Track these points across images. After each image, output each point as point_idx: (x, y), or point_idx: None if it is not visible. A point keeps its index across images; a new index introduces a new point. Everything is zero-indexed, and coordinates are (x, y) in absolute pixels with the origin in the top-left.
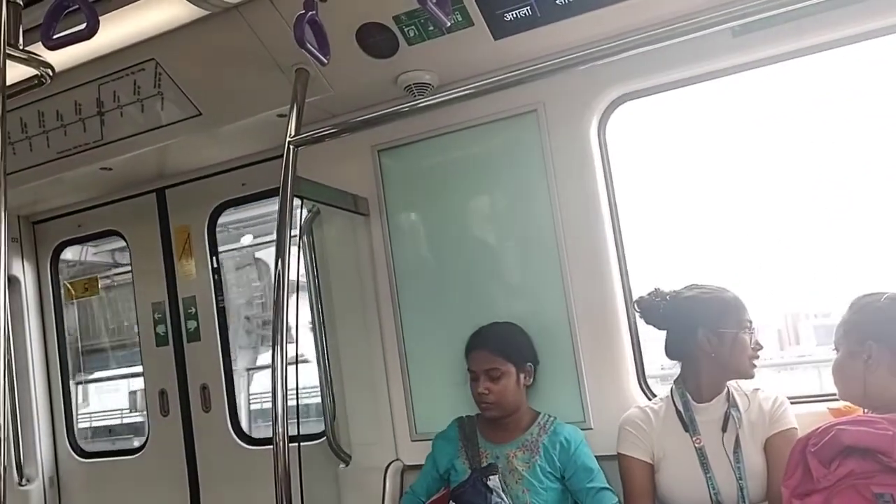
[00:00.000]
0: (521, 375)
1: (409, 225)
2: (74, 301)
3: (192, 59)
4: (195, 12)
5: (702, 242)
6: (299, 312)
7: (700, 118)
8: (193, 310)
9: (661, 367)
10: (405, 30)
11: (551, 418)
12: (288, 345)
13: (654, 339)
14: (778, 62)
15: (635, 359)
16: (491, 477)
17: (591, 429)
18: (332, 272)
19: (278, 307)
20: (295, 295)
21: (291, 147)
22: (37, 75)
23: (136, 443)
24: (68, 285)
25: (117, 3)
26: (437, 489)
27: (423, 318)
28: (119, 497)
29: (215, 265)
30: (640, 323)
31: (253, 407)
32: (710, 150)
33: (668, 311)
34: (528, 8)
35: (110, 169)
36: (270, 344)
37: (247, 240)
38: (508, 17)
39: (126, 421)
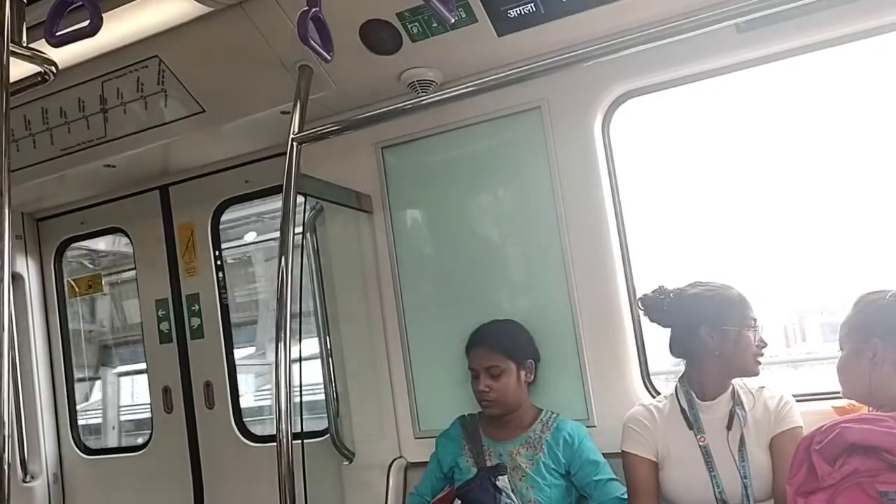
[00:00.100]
0: (522, 372)
1: (412, 222)
2: (106, 293)
3: (195, 56)
4: (198, 9)
5: (709, 239)
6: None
7: (706, 114)
8: (197, 307)
9: (674, 364)
10: (409, 26)
11: (554, 415)
12: (292, 342)
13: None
14: (783, 59)
15: (639, 356)
16: (500, 477)
17: (594, 426)
18: (336, 269)
19: (281, 304)
20: (299, 292)
21: (295, 144)
22: (40, 72)
23: None
24: (72, 282)
25: (121, 0)
26: (441, 489)
27: (427, 315)
28: (123, 494)
29: (219, 262)
30: (646, 320)
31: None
32: (716, 146)
33: (672, 308)
34: (532, 4)
35: (114, 166)
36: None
37: (250, 236)
38: (512, 13)
39: None
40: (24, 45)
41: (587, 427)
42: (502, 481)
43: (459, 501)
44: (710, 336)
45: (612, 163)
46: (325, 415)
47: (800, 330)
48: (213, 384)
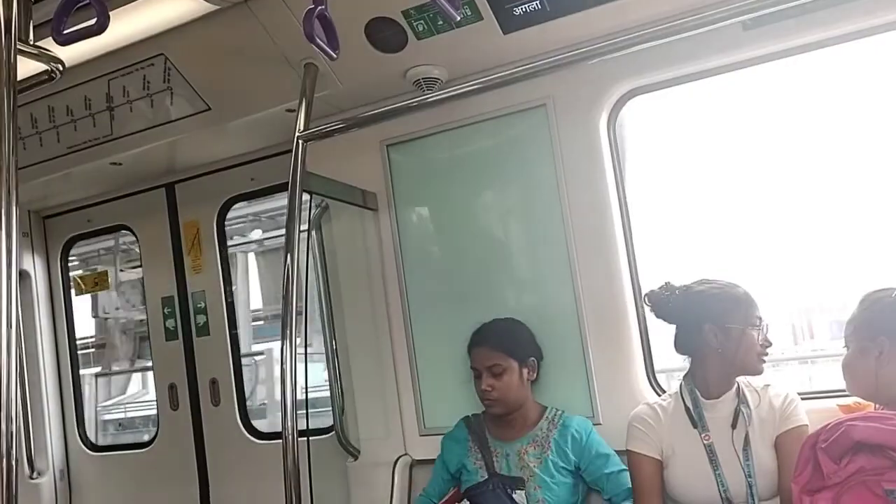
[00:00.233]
0: (525, 371)
1: (417, 220)
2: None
3: (201, 54)
4: (204, 7)
5: (717, 237)
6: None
7: (714, 111)
8: (203, 304)
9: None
10: (414, 24)
11: (559, 412)
12: (298, 339)
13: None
14: (789, 56)
15: (644, 354)
16: (517, 491)
17: (599, 424)
18: (341, 267)
19: (287, 302)
20: (304, 289)
21: (300, 142)
22: (47, 70)
23: None
24: (78, 279)
25: None
26: (448, 489)
27: (432, 312)
28: (129, 490)
29: (224, 260)
30: (651, 318)
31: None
32: (724, 143)
33: (677, 305)
34: (538, 2)
35: (120, 164)
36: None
37: (256, 234)
38: (518, 11)
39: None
40: (31, 43)
41: (593, 425)
42: (519, 496)
43: (468, 502)
44: (715, 334)
45: (618, 160)
46: (331, 412)
47: (808, 327)
48: (218, 381)
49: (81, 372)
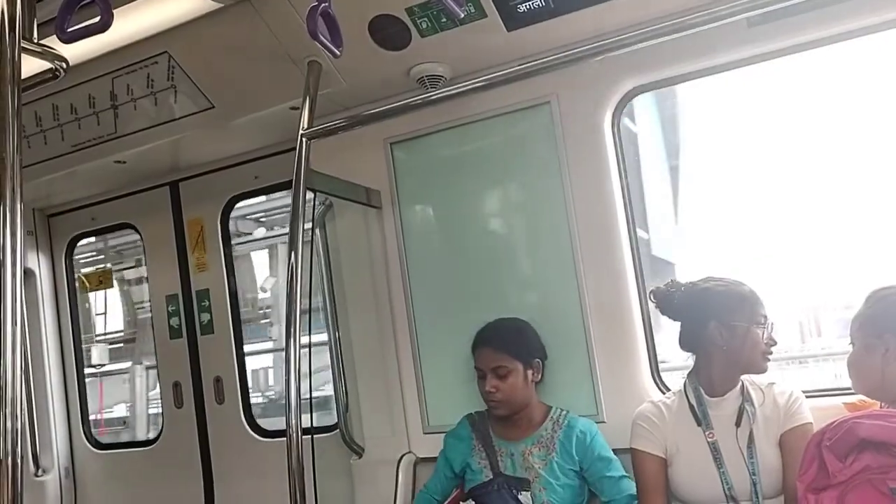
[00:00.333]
0: (529, 372)
1: (421, 218)
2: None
3: (204, 52)
4: (208, 5)
5: (724, 233)
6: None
7: (719, 106)
8: (207, 302)
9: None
10: (418, 21)
11: (563, 412)
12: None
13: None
14: (794, 53)
15: (649, 352)
16: (523, 492)
17: (603, 422)
18: (345, 265)
19: (291, 300)
20: (308, 287)
21: (304, 140)
22: (51, 69)
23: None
24: (83, 277)
25: None
26: (451, 487)
27: (436, 310)
28: (134, 488)
29: (228, 257)
30: (656, 316)
31: None
32: (734, 139)
33: (683, 302)
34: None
35: (124, 162)
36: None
37: (260, 232)
38: (522, 8)
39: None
40: (35, 41)
41: (596, 423)
42: (525, 497)
43: (473, 502)
44: (719, 331)
45: (623, 158)
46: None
47: (815, 325)
48: (223, 379)
49: (124, 365)
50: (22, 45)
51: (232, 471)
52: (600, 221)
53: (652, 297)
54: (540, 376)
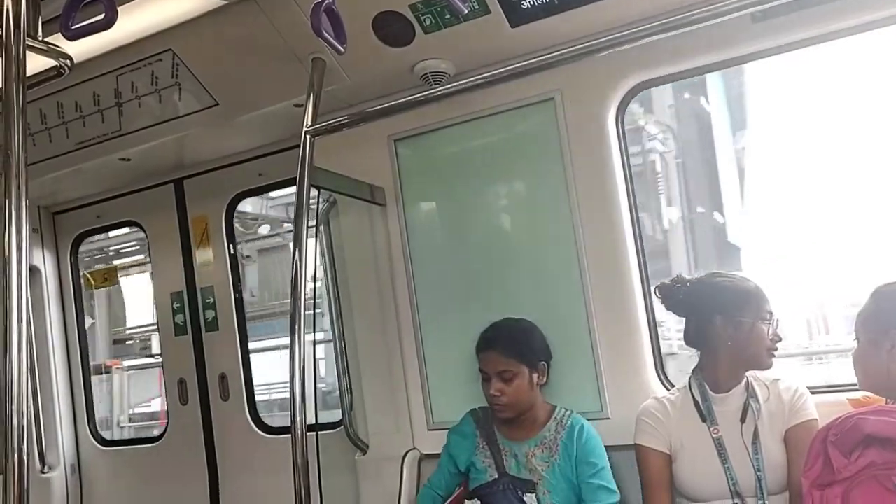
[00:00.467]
0: (535, 375)
1: (425, 214)
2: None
3: (209, 49)
4: (212, 3)
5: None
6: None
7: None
8: (211, 299)
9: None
10: (421, 18)
11: (567, 412)
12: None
13: None
14: (798, 48)
15: (653, 348)
16: (528, 494)
17: (608, 419)
18: (349, 262)
19: (296, 296)
20: (313, 284)
21: (308, 137)
22: (56, 66)
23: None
24: (88, 275)
25: None
26: (455, 484)
27: (440, 306)
28: (139, 484)
29: (233, 255)
30: (659, 312)
31: None
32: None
33: (688, 297)
34: None
35: (129, 159)
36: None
37: (264, 230)
38: (525, 4)
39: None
40: (40, 39)
41: (601, 419)
42: (530, 499)
43: (479, 502)
44: (725, 327)
45: (627, 154)
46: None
47: (823, 322)
48: (227, 376)
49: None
50: (27, 42)
51: (237, 467)
52: (605, 217)
53: (657, 293)
54: (545, 379)
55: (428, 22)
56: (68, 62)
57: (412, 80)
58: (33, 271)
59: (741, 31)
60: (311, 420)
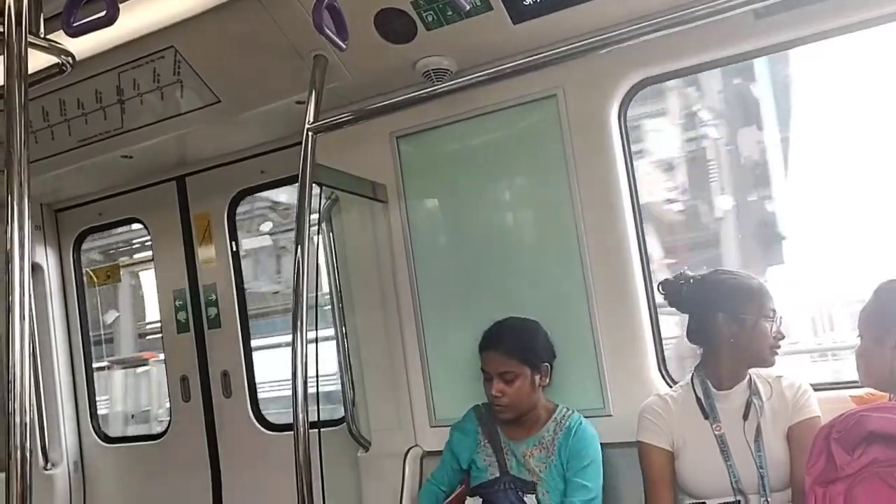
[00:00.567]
0: (537, 377)
1: (427, 212)
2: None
3: (210, 46)
4: (214, 0)
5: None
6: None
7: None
8: (214, 297)
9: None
10: (423, 14)
11: (567, 413)
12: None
13: None
14: (801, 45)
15: (655, 345)
16: (528, 495)
17: (610, 416)
18: (351, 259)
19: (298, 294)
20: (315, 281)
21: (310, 134)
22: (58, 63)
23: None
24: (90, 272)
25: None
26: (457, 480)
27: (442, 304)
28: (142, 481)
29: (235, 252)
30: (661, 310)
31: None
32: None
33: (691, 294)
34: None
35: (131, 157)
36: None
37: (266, 227)
38: (527, 0)
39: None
40: (42, 36)
41: (603, 417)
42: (530, 500)
43: (480, 500)
44: (727, 324)
45: (629, 151)
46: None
47: (828, 319)
48: (230, 373)
49: None
50: (29, 39)
51: (239, 464)
52: (607, 214)
53: (661, 289)
54: (548, 380)
55: (430, 18)
56: (70, 59)
57: (414, 77)
58: (36, 269)
59: (744, 27)
60: (313, 417)
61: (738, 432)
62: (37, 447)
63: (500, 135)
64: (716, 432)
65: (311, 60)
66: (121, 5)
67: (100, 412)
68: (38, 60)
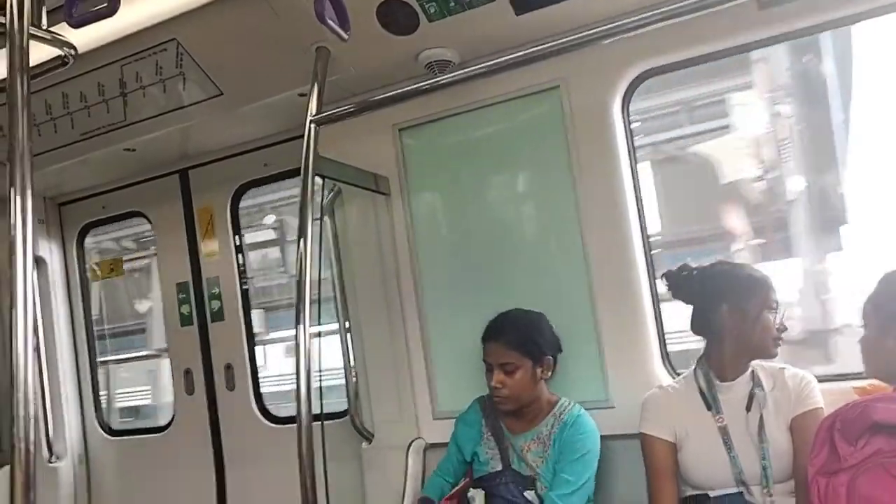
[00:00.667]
0: (539, 370)
1: (430, 204)
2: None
3: (213, 38)
4: None
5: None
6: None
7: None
8: (217, 290)
9: None
10: (426, 6)
11: (568, 406)
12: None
13: None
14: (805, 35)
15: (658, 337)
16: (528, 491)
17: (613, 408)
18: (354, 251)
19: (301, 286)
20: (318, 274)
21: (312, 126)
22: (60, 56)
23: None
24: (94, 266)
25: None
26: (462, 471)
27: (445, 296)
28: (146, 474)
29: (238, 245)
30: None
31: None
32: None
33: (695, 285)
34: None
35: (134, 150)
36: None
37: (269, 220)
38: None
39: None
40: (45, 28)
41: (606, 408)
42: (531, 495)
43: (482, 491)
44: (730, 315)
45: (632, 142)
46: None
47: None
48: (233, 366)
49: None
50: (31, 31)
51: (243, 457)
52: (609, 206)
53: (664, 280)
54: (551, 373)
55: (432, 10)
56: (72, 51)
57: (416, 69)
58: (39, 262)
59: (747, 17)
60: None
61: (741, 424)
62: (41, 440)
63: (503, 127)
64: (718, 424)
65: (314, 52)
66: None
67: (146, 403)
68: (40, 53)
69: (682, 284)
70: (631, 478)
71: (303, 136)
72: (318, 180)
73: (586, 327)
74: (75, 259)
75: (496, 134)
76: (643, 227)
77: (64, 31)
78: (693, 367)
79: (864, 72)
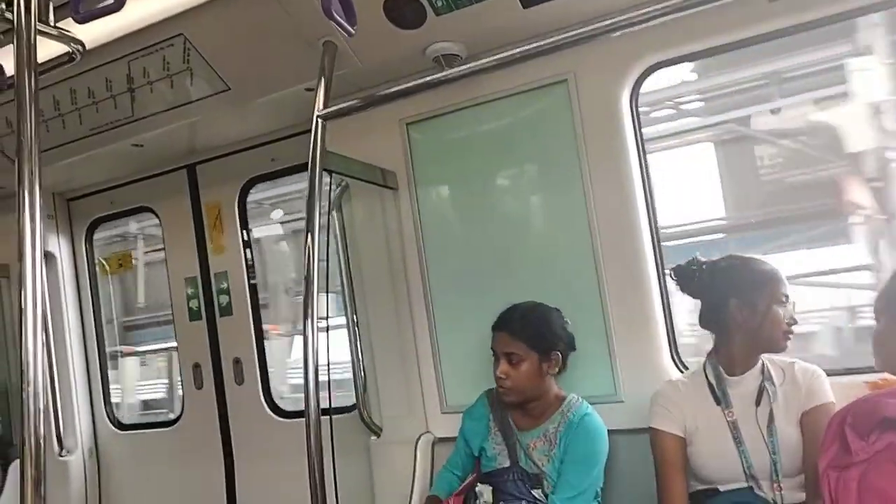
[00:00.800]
0: (545, 364)
1: (437, 198)
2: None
3: (220, 33)
4: None
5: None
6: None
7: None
8: (225, 284)
9: None
10: (433, 0)
11: (576, 403)
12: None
13: None
14: (815, 28)
15: (668, 331)
16: (535, 490)
17: (622, 402)
18: (362, 246)
19: (309, 282)
20: (325, 268)
21: (320, 121)
22: (68, 52)
23: None
24: (103, 261)
25: None
26: (471, 465)
27: (453, 290)
28: (156, 468)
29: (246, 240)
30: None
31: None
32: None
33: (704, 279)
34: None
35: (141, 145)
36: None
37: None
38: None
39: None
40: (52, 24)
41: (615, 403)
42: (538, 493)
43: (490, 487)
44: (740, 309)
45: (641, 136)
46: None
47: None
48: (242, 360)
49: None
50: (39, 27)
51: (252, 451)
52: (618, 200)
53: (672, 275)
54: (558, 369)
55: (440, 4)
56: (80, 47)
57: (424, 63)
58: (48, 257)
59: (756, 10)
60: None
61: (751, 418)
62: (51, 434)
63: (511, 120)
64: (728, 418)
65: (321, 47)
66: None
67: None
68: (48, 49)
69: (691, 279)
70: (640, 473)
71: (310, 130)
72: (326, 175)
73: (595, 321)
74: (84, 254)
75: (504, 128)
76: (653, 221)
77: (71, 27)
78: (703, 361)
79: None
